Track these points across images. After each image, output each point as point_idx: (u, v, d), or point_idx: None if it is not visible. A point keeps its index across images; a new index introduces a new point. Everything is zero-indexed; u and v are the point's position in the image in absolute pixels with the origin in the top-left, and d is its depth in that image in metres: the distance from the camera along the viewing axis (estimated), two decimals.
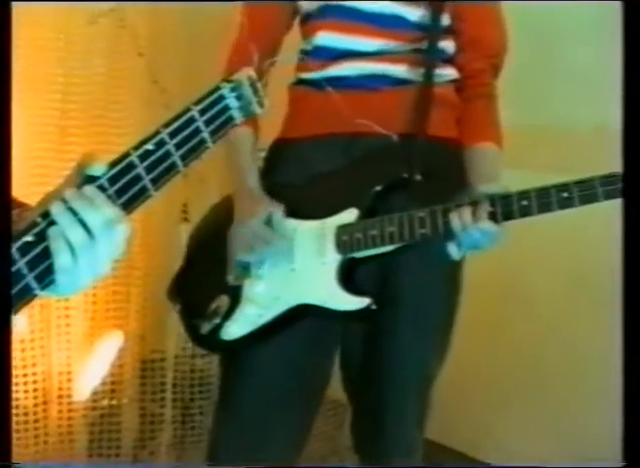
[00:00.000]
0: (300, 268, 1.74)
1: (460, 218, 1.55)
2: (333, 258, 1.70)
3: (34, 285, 1.01)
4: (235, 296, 1.79)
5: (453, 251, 1.59)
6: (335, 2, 1.78)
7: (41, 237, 1.01)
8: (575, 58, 2.50)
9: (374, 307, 1.66)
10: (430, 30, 1.77)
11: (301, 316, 1.73)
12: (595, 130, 2.42)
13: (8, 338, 0.99)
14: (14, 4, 1.10)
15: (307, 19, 1.86)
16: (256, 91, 1.09)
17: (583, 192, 1.47)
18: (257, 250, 1.72)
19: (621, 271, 1.15)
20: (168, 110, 2.69)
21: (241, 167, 1.82)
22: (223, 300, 1.79)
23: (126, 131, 2.53)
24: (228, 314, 1.78)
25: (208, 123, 1.08)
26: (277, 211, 1.73)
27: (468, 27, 1.81)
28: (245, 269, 1.78)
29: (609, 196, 1.46)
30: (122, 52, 2.67)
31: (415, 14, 1.77)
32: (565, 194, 1.48)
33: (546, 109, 2.57)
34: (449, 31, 1.81)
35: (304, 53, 1.85)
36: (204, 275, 1.88)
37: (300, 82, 1.87)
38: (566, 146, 2.51)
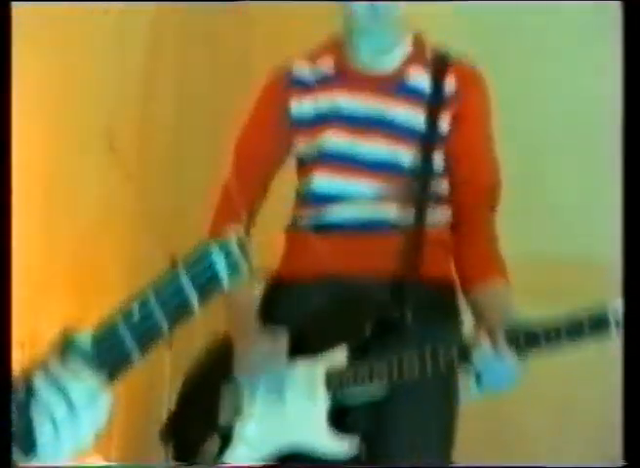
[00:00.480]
0: (290, 409, 1.72)
1: (482, 352, 1.54)
2: (323, 400, 1.68)
3: (17, 454, 0.98)
4: (226, 437, 1.77)
5: (472, 388, 1.58)
6: (331, 147, 1.80)
7: (23, 408, 0.99)
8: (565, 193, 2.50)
9: (364, 456, 1.64)
10: (423, 172, 1.78)
11: (291, 460, 1.70)
12: (585, 261, 2.43)
13: (8, 338, 0.97)
14: (13, 4, 1.11)
15: (303, 160, 1.88)
16: (245, 253, 1.08)
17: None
18: (262, 369, 1.72)
19: None
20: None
21: (239, 308, 1.80)
22: (215, 441, 1.77)
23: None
24: (219, 455, 1.77)
25: (194, 285, 1.05)
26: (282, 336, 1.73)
27: (462, 167, 1.81)
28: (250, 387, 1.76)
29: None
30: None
31: (408, 156, 1.78)
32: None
33: (537, 239, 2.57)
34: (442, 171, 1.82)
35: (300, 194, 1.88)
36: (196, 416, 1.86)
37: (297, 224, 1.87)
38: (554, 275, 2.50)
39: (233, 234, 1.07)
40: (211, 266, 1.05)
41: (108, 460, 2.70)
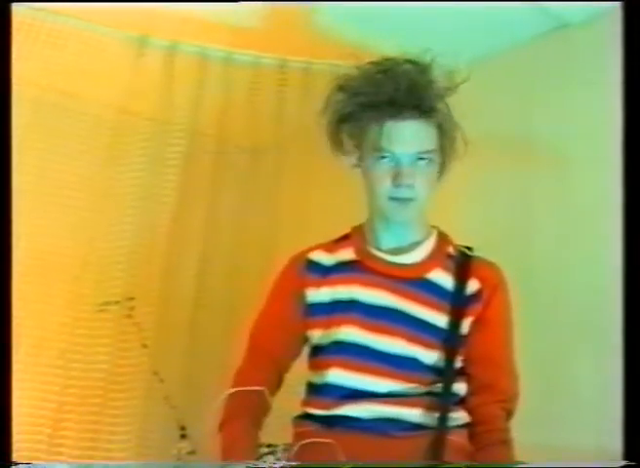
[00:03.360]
0: None
1: None
2: None
3: None
4: None
5: None
6: (348, 340, 1.76)
7: None
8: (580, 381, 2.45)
9: None
10: (445, 374, 1.74)
11: None
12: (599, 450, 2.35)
13: (8, 338, 0.93)
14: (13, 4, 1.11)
15: (318, 352, 1.84)
16: None
17: None
18: None
19: None
20: (167, 403, 2.67)
21: None
22: None
23: (120, 430, 2.46)
24: None
25: None
26: None
27: (482, 371, 1.77)
28: None
29: None
30: (127, 342, 2.67)
31: (429, 356, 1.75)
32: None
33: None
34: (460, 373, 1.78)
35: (312, 387, 1.82)
36: None
37: (307, 417, 1.80)
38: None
39: None
40: None
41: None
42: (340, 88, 1.80)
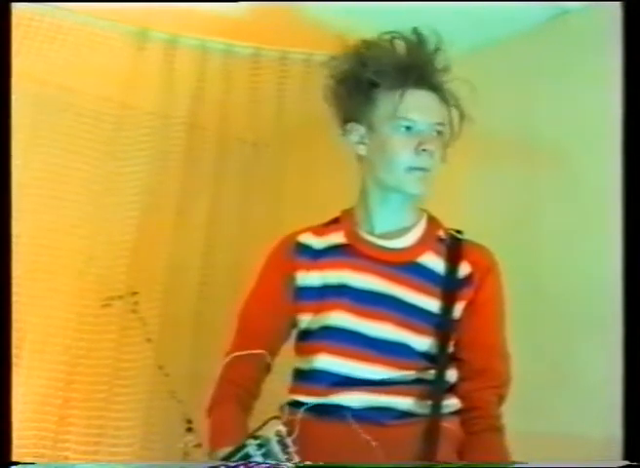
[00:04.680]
0: None
1: None
2: None
3: None
4: None
5: None
6: (337, 325, 1.75)
7: None
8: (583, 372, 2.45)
9: None
10: (438, 360, 1.73)
11: None
12: (602, 440, 2.35)
13: (8, 337, 0.95)
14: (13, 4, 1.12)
15: (305, 336, 1.82)
16: (285, 446, 1.06)
17: None
18: None
19: None
20: (173, 398, 2.67)
21: None
22: None
23: (126, 424, 2.47)
24: None
25: None
26: None
27: (474, 357, 1.76)
28: None
29: None
30: (131, 336, 2.68)
31: (421, 342, 1.74)
32: None
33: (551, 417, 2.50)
34: (452, 359, 1.77)
35: (300, 373, 1.80)
36: None
37: (296, 405, 1.77)
38: (571, 454, 2.41)
39: (273, 429, 1.05)
40: (249, 459, 1.03)
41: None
42: (351, 56, 1.79)
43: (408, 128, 1.73)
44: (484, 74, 2.24)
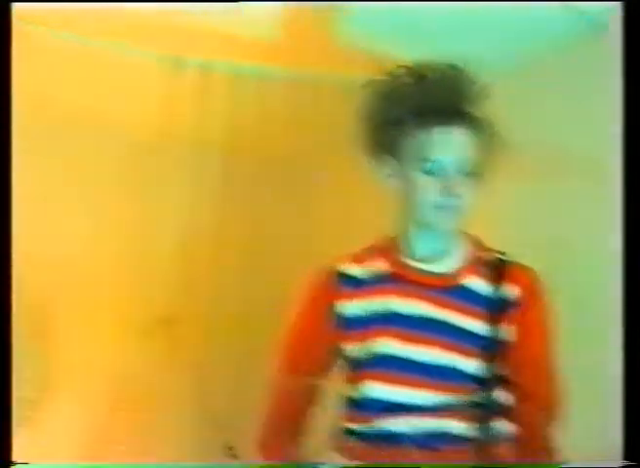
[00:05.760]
0: None
1: None
2: None
3: None
4: None
5: None
6: (385, 353, 1.75)
7: None
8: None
9: None
10: (486, 383, 1.73)
11: None
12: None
13: (8, 335, 0.95)
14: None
15: (354, 365, 1.82)
16: None
17: None
18: None
19: None
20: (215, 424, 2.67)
21: None
22: None
23: (169, 454, 2.47)
24: None
25: None
26: None
27: (524, 380, 1.76)
28: None
29: None
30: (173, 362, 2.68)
31: (470, 365, 1.74)
32: None
33: None
34: (502, 381, 1.76)
35: (351, 401, 1.81)
36: None
37: (348, 432, 1.80)
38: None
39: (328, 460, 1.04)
40: None
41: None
42: (380, 94, 1.78)
43: (433, 167, 1.72)
44: (519, 93, 2.22)
